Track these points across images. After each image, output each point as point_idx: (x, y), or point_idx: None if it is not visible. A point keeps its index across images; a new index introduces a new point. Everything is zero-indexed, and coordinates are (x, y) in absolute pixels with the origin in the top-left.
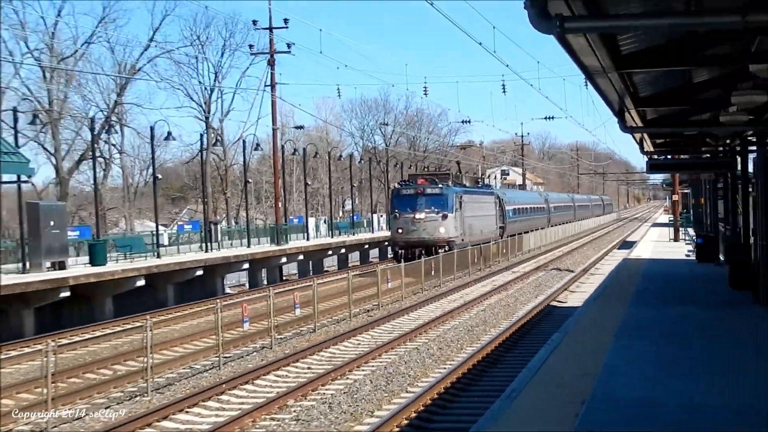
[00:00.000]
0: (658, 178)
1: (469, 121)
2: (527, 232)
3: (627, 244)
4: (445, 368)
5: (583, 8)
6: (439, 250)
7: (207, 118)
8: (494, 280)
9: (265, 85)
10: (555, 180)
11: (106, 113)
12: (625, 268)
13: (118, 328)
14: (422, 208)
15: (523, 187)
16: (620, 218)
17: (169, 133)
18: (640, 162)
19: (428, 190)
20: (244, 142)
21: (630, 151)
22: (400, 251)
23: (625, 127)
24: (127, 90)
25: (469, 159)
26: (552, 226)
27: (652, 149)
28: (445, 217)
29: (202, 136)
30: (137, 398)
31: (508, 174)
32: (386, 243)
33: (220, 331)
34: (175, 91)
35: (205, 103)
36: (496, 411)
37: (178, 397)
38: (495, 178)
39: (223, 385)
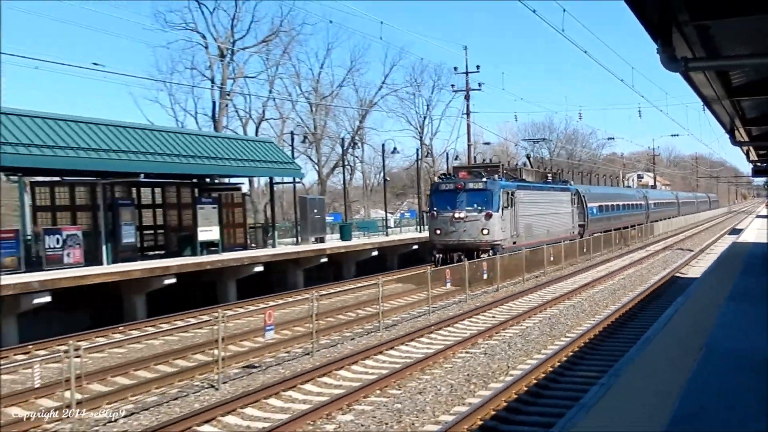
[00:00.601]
0: (761, 180)
1: (613, 138)
2: (617, 229)
3: (735, 231)
4: (594, 320)
5: (702, 51)
6: (482, 255)
7: (421, 137)
8: (632, 256)
9: (462, 114)
10: (679, 182)
11: (351, 135)
12: (734, 249)
13: (359, 284)
14: (463, 205)
15: (654, 187)
16: (730, 211)
17: (395, 148)
18: (746, 168)
19: (470, 185)
20: (447, 154)
21: (738, 160)
22: (438, 255)
23: (734, 142)
24: (366, 118)
25: (613, 167)
26: (652, 222)
27: (756, 158)
28: (489, 216)
29: (417, 150)
30: (372, 334)
31: (642, 177)
32: None
33: (429, 288)
34: (399, 119)
35: (419, 126)
36: (634, 352)
37: (400, 334)
38: (633, 181)
39: (432, 327)
